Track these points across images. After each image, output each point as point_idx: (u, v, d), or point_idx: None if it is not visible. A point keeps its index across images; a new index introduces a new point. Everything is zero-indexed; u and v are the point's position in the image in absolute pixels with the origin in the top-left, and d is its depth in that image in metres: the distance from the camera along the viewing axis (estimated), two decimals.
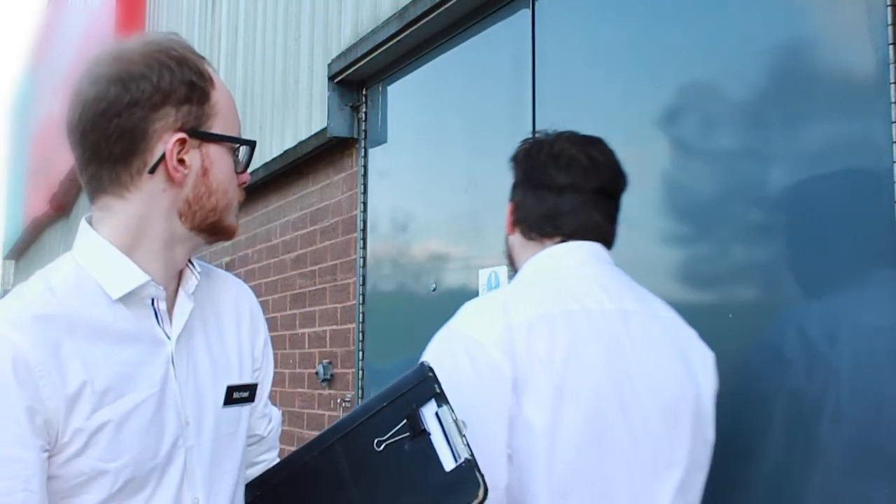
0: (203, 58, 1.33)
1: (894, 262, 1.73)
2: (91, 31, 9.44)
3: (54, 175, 11.09)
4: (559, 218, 1.66)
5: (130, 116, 1.24)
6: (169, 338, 1.31)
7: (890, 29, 1.75)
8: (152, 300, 1.30)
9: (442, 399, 1.32)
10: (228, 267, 5.27)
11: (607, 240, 1.70)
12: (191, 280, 1.35)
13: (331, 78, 3.91)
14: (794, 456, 1.91)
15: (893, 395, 1.72)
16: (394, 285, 3.70)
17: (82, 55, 10.01)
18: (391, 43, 3.43)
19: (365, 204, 3.83)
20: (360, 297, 3.82)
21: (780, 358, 1.96)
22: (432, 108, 3.48)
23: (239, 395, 1.39)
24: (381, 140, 3.75)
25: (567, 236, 1.66)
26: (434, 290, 3.24)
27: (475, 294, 2.95)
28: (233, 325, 1.43)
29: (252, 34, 5.18)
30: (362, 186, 3.83)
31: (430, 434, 1.32)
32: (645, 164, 2.35)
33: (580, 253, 1.64)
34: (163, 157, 1.25)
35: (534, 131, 2.73)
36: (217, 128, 1.30)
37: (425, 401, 1.34)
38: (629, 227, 2.39)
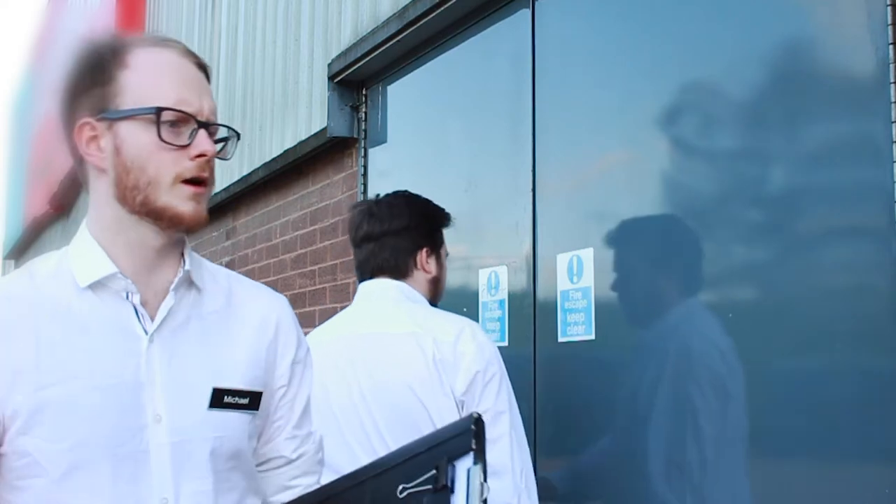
0: (124, 36, 1.33)
1: (894, 261, 1.73)
2: (91, 31, 9.44)
3: (54, 175, 11.09)
4: (358, 266, 2.20)
5: (63, 112, 1.32)
6: (147, 333, 1.29)
7: (890, 29, 1.75)
8: (127, 294, 1.29)
9: (479, 457, 1.26)
10: (228, 266, 5.27)
11: (393, 272, 2.12)
12: (177, 277, 1.32)
13: (331, 78, 3.91)
14: (798, 447, 1.91)
15: (889, 390, 1.72)
16: None
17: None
18: (391, 43, 3.43)
19: None
20: None
21: (779, 357, 1.96)
22: (432, 108, 3.48)
23: (232, 399, 1.34)
24: (381, 140, 3.75)
25: (365, 277, 2.18)
26: None
27: (475, 294, 2.95)
28: (249, 333, 1.39)
29: (252, 34, 5.18)
30: (362, 186, 3.83)
31: (451, 492, 1.26)
32: (645, 164, 2.35)
33: (362, 291, 2.17)
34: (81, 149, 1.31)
35: (534, 133, 2.73)
36: (127, 104, 1.27)
37: (461, 454, 1.28)
38: (629, 226, 2.39)
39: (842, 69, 1.89)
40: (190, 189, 1.27)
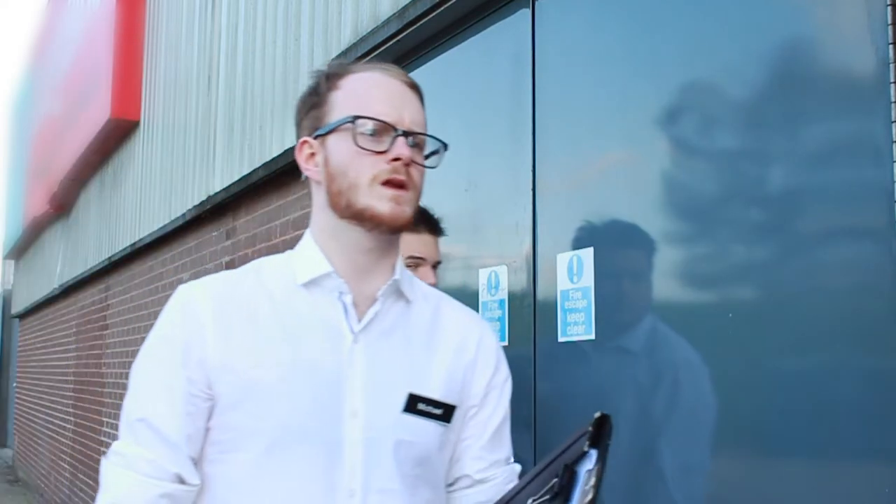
0: (346, 64, 1.52)
1: (894, 261, 1.73)
2: (91, 31, 9.43)
3: (54, 175, 11.08)
4: None
5: (296, 136, 1.52)
6: (353, 332, 1.40)
7: (890, 29, 1.75)
8: (339, 294, 1.41)
9: (601, 456, 1.27)
10: (228, 266, 5.27)
11: None
12: (385, 284, 1.44)
13: None
14: (798, 447, 1.91)
15: (889, 390, 1.72)
16: None
17: (83, 56, 10.02)
18: (391, 43, 3.43)
19: None
20: None
21: (779, 357, 1.96)
22: (432, 108, 3.47)
23: (426, 407, 1.41)
24: None
25: None
26: None
27: (475, 294, 2.95)
28: (450, 351, 1.48)
29: (252, 34, 5.17)
30: None
31: (569, 499, 1.26)
32: (645, 163, 2.35)
33: None
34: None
35: (534, 133, 2.73)
36: (333, 120, 1.43)
37: (579, 458, 1.28)
38: (629, 226, 2.39)
39: (842, 69, 1.89)
40: (388, 191, 1.38)
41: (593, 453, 1.26)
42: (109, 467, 1.36)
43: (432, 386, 1.43)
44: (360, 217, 1.39)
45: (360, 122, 1.39)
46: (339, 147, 1.41)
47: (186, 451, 1.36)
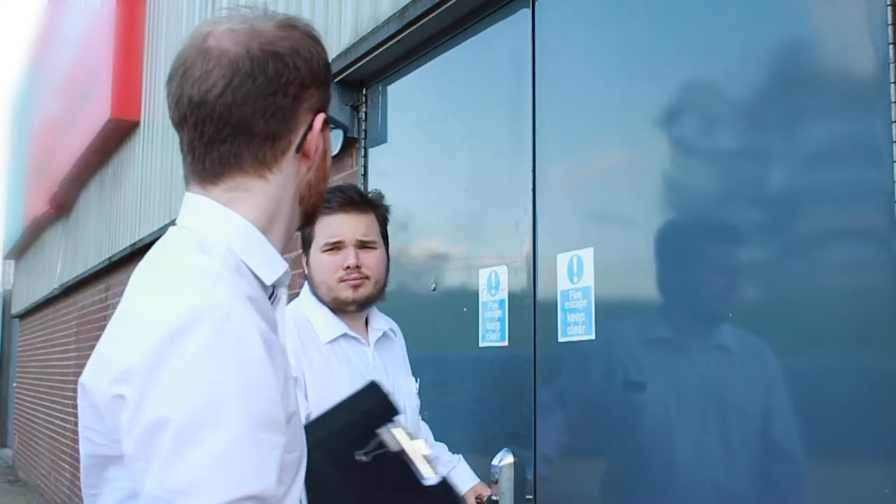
0: None
1: (894, 261, 1.73)
2: (91, 31, 9.42)
3: (54, 175, 11.07)
4: None
5: (286, 94, 1.20)
6: None
7: (890, 29, 1.75)
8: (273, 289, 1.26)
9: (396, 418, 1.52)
10: None
11: None
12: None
13: None
14: (798, 446, 1.91)
15: (889, 390, 1.72)
16: (394, 285, 3.68)
17: (83, 56, 10.01)
18: (391, 43, 3.43)
19: None
20: None
21: (779, 357, 1.96)
22: (432, 108, 3.47)
23: None
24: (382, 140, 3.75)
25: None
26: (434, 289, 3.24)
27: (475, 294, 2.95)
28: None
29: None
30: (362, 186, 3.83)
31: (404, 451, 1.47)
32: (645, 164, 2.35)
33: None
34: (303, 138, 1.23)
35: (534, 133, 2.73)
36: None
37: (386, 420, 1.50)
38: (629, 226, 2.39)
39: (842, 69, 1.89)
40: None
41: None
42: None
43: None
44: (311, 219, 1.39)
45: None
46: (330, 146, 1.40)
47: None
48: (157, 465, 1.00)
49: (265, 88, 1.18)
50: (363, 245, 2.33)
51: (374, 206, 2.40)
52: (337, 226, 2.32)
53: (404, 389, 2.39)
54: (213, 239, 1.20)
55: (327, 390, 2.20)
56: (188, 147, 1.22)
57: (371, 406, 1.55)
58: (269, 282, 1.23)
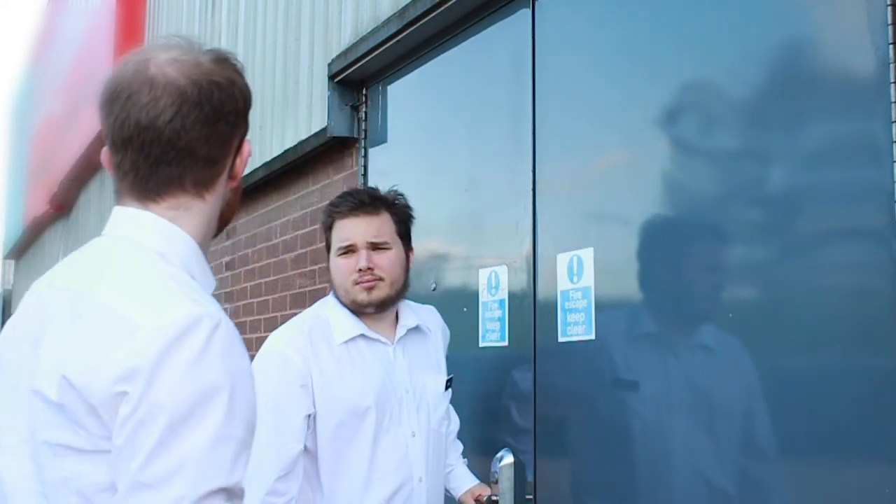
0: None
1: (894, 261, 1.73)
2: (91, 31, 9.43)
3: (54, 175, 11.08)
4: None
5: (227, 122, 1.31)
6: None
7: (890, 29, 1.75)
8: None
9: None
10: (228, 266, 5.27)
11: None
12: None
13: (331, 77, 3.90)
14: (798, 446, 1.91)
15: (889, 390, 1.72)
16: None
17: (83, 56, 10.01)
18: (391, 43, 3.43)
19: None
20: None
21: (779, 357, 1.96)
22: (432, 108, 3.47)
23: None
24: (381, 140, 3.75)
25: None
26: (434, 289, 3.24)
27: (475, 294, 2.95)
28: None
29: (252, 34, 5.17)
30: (362, 186, 3.83)
31: None
32: (645, 164, 2.35)
33: None
34: (233, 163, 1.35)
35: (534, 133, 2.73)
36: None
37: None
38: (629, 226, 2.39)
39: (842, 69, 1.89)
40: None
41: None
42: None
43: None
44: (218, 233, 1.46)
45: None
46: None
47: None
48: (143, 452, 1.10)
49: (210, 116, 1.28)
50: (375, 247, 2.33)
51: (387, 205, 2.39)
52: (348, 229, 2.34)
53: (429, 388, 2.38)
54: (168, 252, 1.30)
55: (333, 389, 2.22)
56: (131, 165, 1.31)
57: None
58: (208, 293, 1.32)
